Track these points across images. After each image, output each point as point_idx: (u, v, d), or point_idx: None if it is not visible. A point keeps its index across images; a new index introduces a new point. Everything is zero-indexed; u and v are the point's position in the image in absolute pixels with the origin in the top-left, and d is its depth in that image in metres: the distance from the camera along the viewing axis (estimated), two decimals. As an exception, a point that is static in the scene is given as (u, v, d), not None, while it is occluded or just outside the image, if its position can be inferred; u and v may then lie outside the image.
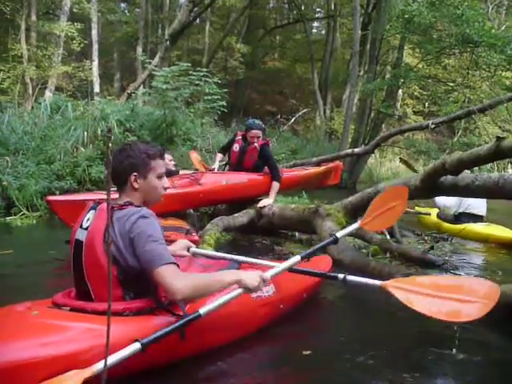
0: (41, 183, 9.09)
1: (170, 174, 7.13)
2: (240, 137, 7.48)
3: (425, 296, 2.83)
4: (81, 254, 2.72)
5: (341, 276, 3.14)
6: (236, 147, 7.40)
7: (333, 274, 3.27)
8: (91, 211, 2.82)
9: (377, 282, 3.02)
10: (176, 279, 2.55)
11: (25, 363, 2.22)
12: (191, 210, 7.21)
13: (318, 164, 9.40)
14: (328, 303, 4.37)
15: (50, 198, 6.22)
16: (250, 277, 2.82)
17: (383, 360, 3.05)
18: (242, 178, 7.22)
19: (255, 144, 7.18)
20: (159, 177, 2.96)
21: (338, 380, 2.85)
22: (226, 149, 7.91)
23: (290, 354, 3.17)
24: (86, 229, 2.74)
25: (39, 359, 2.25)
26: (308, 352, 3.13)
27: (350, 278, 3.10)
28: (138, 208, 2.75)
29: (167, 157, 7.31)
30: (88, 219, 2.79)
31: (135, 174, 2.86)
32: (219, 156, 8.07)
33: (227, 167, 7.91)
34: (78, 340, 2.39)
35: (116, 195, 5.02)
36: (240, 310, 3.09)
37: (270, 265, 3.31)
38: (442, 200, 7.76)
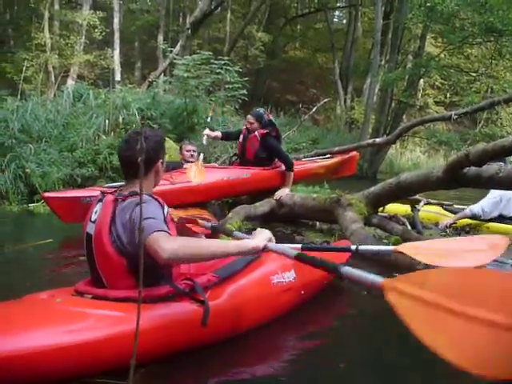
0: (63, 170, 9.17)
1: (174, 167, 7.16)
2: (245, 127, 7.44)
3: (437, 253, 2.99)
4: (91, 247, 2.74)
5: (353, 247, 3.17)
6: (241, 138, 7.38)
7: (345, 247, 3.30)
8: (99, 204, 2.81)
9: (389, 248, 3.10)
10: (165, 241, 2.39)
11: (49, 350, 2.25)
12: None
13: (331, 155, 8.95)
14: (348, 291, 4.36)
15: (46, 194, 6.13)
16: (255, 242, 2.76)
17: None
18: (243, 173, 7.11)
19: (255, 133, 7.10)
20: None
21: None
22: (229, 135, 7.94)
23: (303, 345, 3.15)
24: (94, 222, 2.75)
25: (63, 346, 2.28)
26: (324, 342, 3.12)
27: (362, 247, 3.12)
28: (144, 196, 2.65)
29: (190, 148, 7.31)
30: (96, 212, 2.79)
31: (161, 160, 2.88)
32: (218, 134, 7.86)
33: (234, 159, 7.89)
34: (101, 327, 2.41)
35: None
36: (260, 296, 3.10)
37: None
38: (476, 207, 7.35)
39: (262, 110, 7.39)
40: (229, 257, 2.84)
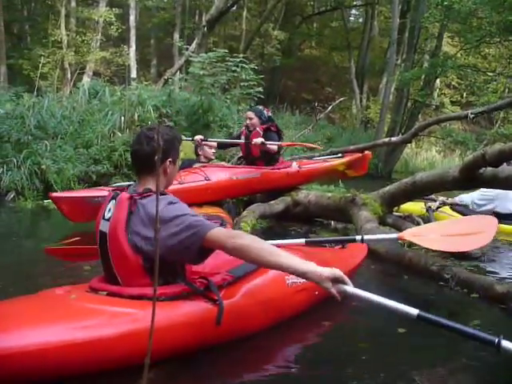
0: (78, 167, 9.22)
1: (190, 164, 7.14)
2: (244, 127, 7.42)
3: (437, 238, 3.40)
4: (106, 245, 2.72)
5: (358, 237, 3.56)
6: (242, 138, 7.33)
7: (350, 237, 3.47)
8: (112, 201, 2.79)
9: (393, 235, 3.44)
10: (231, 235, 2.52)
11: (63, 345, 2.24)
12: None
13: (342, 155, 8.52)
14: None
15: (54, 194, 6.11)
16: (323, 276, 2.46)
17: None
18: (253, 172, 7.02)
19: (257, 129, 7.07)
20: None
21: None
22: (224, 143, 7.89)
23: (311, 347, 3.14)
24: (108, 220, 2.73)
25: (77, 342, 2.27)
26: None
27: (367, 237, 3.33)
28: (164, 197, 2.68)
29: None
30: (109, 210, 2.76)
31: (170, 159, 2.83)
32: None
33: (240, 161, 7.80)
34: (115, 324, 2.41)
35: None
36: (275, 297, 3.08)
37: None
38: (467, 197, 7.45)
39: (261, 107, 7.39)
40: (292, 273, 2.59)
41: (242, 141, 7.28)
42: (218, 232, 2.53)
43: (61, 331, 2.28)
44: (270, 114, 7.41)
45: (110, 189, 6.27)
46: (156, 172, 2.77)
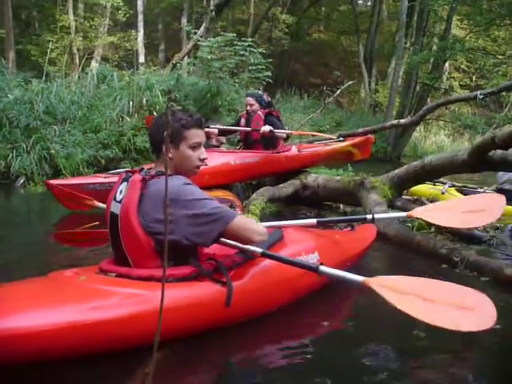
0: (87, 152, 9.27)
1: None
2: (245, 111, 7.37)
3: (445, 215, 3.29)
4: (117, 226, 2.73)
5: (369, 217, 3.59)
6: (242, 121, 7.29)
7: (361, 217, 3.55)
8: (123, 183, 2.80)
9: (403, 213, 3.65)
10: (255, 225, 2.83)
11: (73, 326, 2.26)
12: (236, 181, 7.19)
13: (343, 138, 8.27)
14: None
15: (50, 182, 6.19)
16: None
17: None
18: (253, 157, 6.96)
19: (258, 112, 7.03)
20: (193, 147, 2.87)
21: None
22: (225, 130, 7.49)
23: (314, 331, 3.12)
24: (120, 201, 2.74)
25: (87, 322, 2.29)
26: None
27: (378, 216, 3.49)
28: (173, 176, 2.73)
29: (212, 131, 7.21)
30: (121, 191, 2.78)
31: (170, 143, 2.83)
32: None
33: (238, 145, 7.75)
34: (124, 305, 2.42)
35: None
36: (284, 278, 3.08)
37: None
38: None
39: (260, 92, 7.34)
40: None
41: (247, 128, 7.17)
42: (241, 220, 2.72)
43: (70, 312, 2.30)
44: (269, 99, 7.36)
45: (107, 175, 6.30)
46: (161, 155, 2.81)
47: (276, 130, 6.86)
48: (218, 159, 6.67)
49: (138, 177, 2.72)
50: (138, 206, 2.64)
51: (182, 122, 2.84)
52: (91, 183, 6.15)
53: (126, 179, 2.80)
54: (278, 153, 7.09)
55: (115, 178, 6.19)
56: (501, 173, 7.17)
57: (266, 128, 6.80)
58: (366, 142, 7.97)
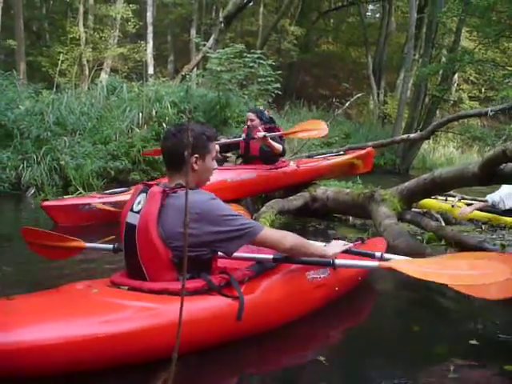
0: (96, 163, 9.27)
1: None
2: (246, 126, 7.31)
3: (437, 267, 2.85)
4: (133, 237, 2.71)
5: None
6: (243, 136, 7.18)
7: (326, 260, 3.06)
8: (142, 194, 2.79)
9: (374, 263, 3.03)
10: (281, 236, 2.89)
11: (85, 339, 2.26)
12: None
13: (344, 152, 8.30)
14: (382, 290, 4.32)
15: (45, 203, 6.19)
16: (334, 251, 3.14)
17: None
18: (249, 173, 6.85)
19: (259, 128, 6.92)
20: (214, 159, 2.94)
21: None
22: (229, 145, 7.37)
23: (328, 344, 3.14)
24: (138, 212, 2.73)
25: (99, 336, 2.29)
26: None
27: (339, 262, 3.04)
28: (196, 190, 2.74)
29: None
30: (139, 202, 2.77)
31: (196, 155, 2.82)
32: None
33: (237, 160, 7.65)
34: (136, 319, 2.42)
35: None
36: (295, 292, 3.08)
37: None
38: (495, 197, 7.33)
39: (262, 107, 7.29)
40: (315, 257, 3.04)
41: (242, 138, 7.11)
42: (267, 233, 2.80)
43: (83, 326, 2.30)
44: (270, 115, 7.36)
45: (101, 195, 6.32)
46: (184, 168, 2.80)
47: (269, 134, 6.77)
48: (213, 176, 6.61)
49: (157, 189, 2.71)
50: (157, 218, 2.63)
51: (207, 134, 2.86)
52: (87, 204, 6.15)
53: (144, 191, 2.80)
54: (276, 168, 7.03)
55: (111, 198, 6.16)
56: (505, 186, 7.06)
57: (261, 134, 6.77)
58: (367, 155, 7.91)
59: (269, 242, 2.80)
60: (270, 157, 7.00)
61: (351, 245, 3.33)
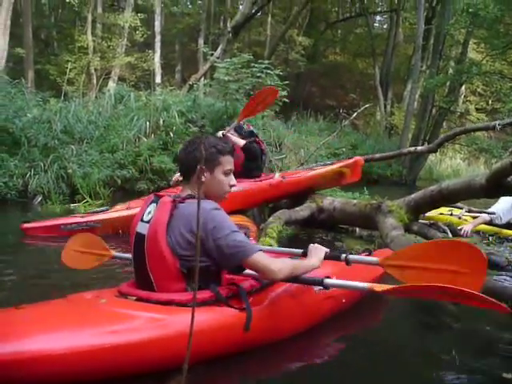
0: (103, 171, 9.31)
1: None
2: None
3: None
4: (142, 247, 2.72)
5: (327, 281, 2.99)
6: None
7: (316, 279, 3.01)
8: (152, 204, 2.81)
9: (364, 284, 2.88)
10: (273, 263, 2.70)
11: (93, 349, 2.26)
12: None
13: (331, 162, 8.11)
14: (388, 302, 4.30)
15: (25, 226, 6.11)
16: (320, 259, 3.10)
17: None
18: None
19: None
20: (226, 173, 2.92)
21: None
22: None
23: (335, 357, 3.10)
24: (148, 222, 2.75)
25: (106, 346, 2.29)
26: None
27: (330, 281, 2.96)
28: (203, 200, 2.74)
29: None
30: (149, 212, 2.79)
31: (204, 167, 2.84)
32: None
33: None
34: (144, 329, 2.42)
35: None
36: (303, 303, 3.08)
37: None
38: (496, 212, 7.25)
39: (241, 122, 7.22)
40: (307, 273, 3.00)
41: None
42: (259, 257, 2.67)
43: (90, 336, 2.30)
44: (250, 129, 7.24)
45: (83, 215, 6.32)
46: (193, 179, 2.84)
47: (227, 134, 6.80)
48: None
49: (167, 199, 2.74)
50: (166, 227, 2.65)
51: (218, 147, 2.87)
52: (68, 223, 6.13)
53: (154, 201, 2.82)
54: (260, 181, 6.98)
55: (93, 217, 6.18)
56: (502, 200, 7.00)
57: (219, 133, 6.79)
58: (355, 165, 7.71)
59: (259, 266, 2.67)
60: (252, 170, 6.96)
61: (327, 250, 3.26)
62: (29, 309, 2.51)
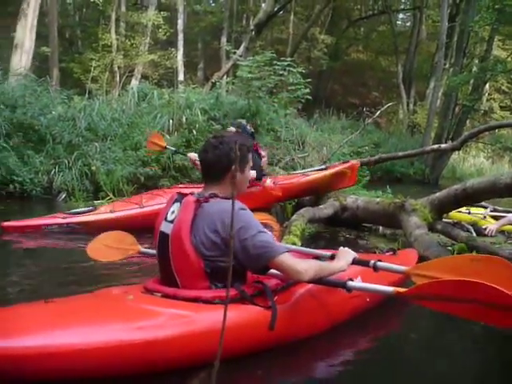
0: (127, 169, 9.35)
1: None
2: None
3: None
4: (167, 246, 2.73)
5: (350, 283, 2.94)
6: None
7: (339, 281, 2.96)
8: (176, 204, 2.81)
9: (389, 288, 2.82)
10: (298, 264, 2.67)
11: (120, 345, 2.28)
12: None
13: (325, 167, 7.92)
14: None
15: (5, 224, 5.94)
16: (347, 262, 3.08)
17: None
18: None
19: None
20: (250, 170, 2.96)
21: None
22: None
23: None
24: (171, 221, 2.75)
25: (134, 342, 2.31)
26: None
27: (353, 284, 2.93)
28: (229, 200, 2.73)
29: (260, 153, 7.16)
30: (173, 212, 2.78)
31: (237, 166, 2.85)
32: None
33: None
34: (170, 326, 2.43)
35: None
36: (328, 302, 3.08)
37: None
38: None
39: (244, 121, 7.09)
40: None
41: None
42: (285, 258, 2.65)
43: (118, 331, 2.32)
44: (252, 130, 7.18)
45: (65, 215, 6.21)
46: (222, 179, 2.83)
47: None
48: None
49: (191, 198, 2.74)
50: (190, 227, 2.65)
51: (247, 145, 2.89)
52: (49, 224, 6.02)
53: (178, 200, 2.82)
54: (251, 186, 6.89)
55: (75, 219, 6.07)
56: None
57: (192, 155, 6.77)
58: (351, 169, 7.57)
59: (285, 267, 2.64)
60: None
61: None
62: (57, 303, 2.54)
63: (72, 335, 2.24)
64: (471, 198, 5.94)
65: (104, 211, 6.29)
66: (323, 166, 7.99)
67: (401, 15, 37.20)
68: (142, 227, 4.36)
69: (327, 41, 28.42)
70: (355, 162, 7.77)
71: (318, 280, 2.82)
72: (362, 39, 35.31)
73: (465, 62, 19.65)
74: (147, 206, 6.22)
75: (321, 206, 6.72)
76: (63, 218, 6.12)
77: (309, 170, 7.80)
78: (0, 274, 4.33)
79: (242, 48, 18.27)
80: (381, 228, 6.89)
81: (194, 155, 7.08)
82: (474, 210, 7.42)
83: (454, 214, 7.04)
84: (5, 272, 4.45)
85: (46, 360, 2.15)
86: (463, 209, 7.28)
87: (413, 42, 27.84)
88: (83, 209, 6.44)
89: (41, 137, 9.33)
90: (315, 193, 7.57)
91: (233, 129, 6.80)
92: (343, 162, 7.87)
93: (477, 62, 21.23)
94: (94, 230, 5.77)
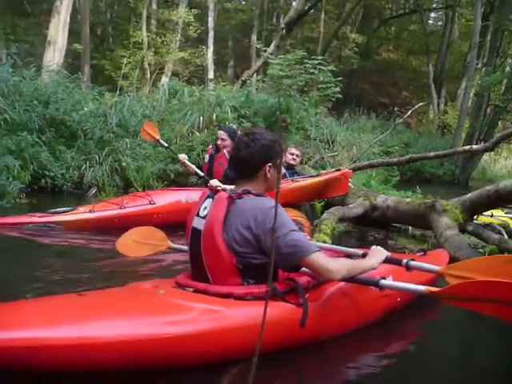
0: (157, 165, 9.44)
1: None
2: (211, 146, 6.98)
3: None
4: (199, 242, 2.74)
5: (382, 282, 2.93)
6: (206, 157, 6.89)
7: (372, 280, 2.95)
8: (208, 200, 2.82)
9: (421, 287, 2.78)
10: (330, 263, 2.65)
11: (152, 339, 2.29)
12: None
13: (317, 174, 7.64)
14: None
15: None
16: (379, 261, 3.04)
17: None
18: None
19: (224, 151, 6.50)
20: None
21: None
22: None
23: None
24: (204, 217, 2.76)
25: (165, 336, 2.32)
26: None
27: (386, 282, 2.90)
28: (263, 197, 2.75)
29: (294, 151, 7.14)
30: (205, 208, 2.79)
31: (269, 164, 2.83)
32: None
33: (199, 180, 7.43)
34: (202, 320, 2.44)
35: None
36: (358, 301, 3.06)
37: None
38: None
39: (235, 127, 6.96)
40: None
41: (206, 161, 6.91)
42: (317, 257, 2.63)
43: (149, 325, 2.33)
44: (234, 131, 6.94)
45: (42, 215, 6.14)
46: (255, 176, 2.84)
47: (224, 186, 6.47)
48: (168, 198, 6.62)
49: (224, 194, 2.74)
50: (223, 223, 2.65)
51: (278, 141, 2.89)
52: (26, 223, 5.90)
53: (210, 196, 2.83)
54: None
55: (52, 218, 6.00)
56: None
57: (181, 156, 6.80)
58: (343, 177, 7.21)
59: (317, 266, 2.62)
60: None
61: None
62: (90, 296, 2.58)
63: (103, 328, 2.26)
64: (504, 199, 5.85)
65: (83, 211, 6.19)
66: (314, 174, 7.71)
67: (433, 14, 36.79)
68: (120, 228, 4.41)
69: (358, 40, 28.25)
70: (347, 170, 7.48)
71: (350, 278, 2.79)
72: (392, 38, 35.03)
73: (498, 62, 19.41)
74: (127, 208, 6.20)
75: (350, 205, 6.68)
76: (40, 217, 6.02)
77: (300, 176, 7.45)
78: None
79: (272, 46, 18.26)
80: (410, 228, 6.82)
81: (183, 156, 7.03)
82: (495, 212, 7.32)
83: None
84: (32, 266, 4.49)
85: (79, 352, 2.17)
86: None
87: (444, 41, 27.55)
88: (62, 208, 6.27)
89: (72, 132, 9.43)
90: (306, 199, 7.37)
91: (222, 133, 6.69)
92: (336, 170, 7.56)
93: (510, 61, 20.97)
94: (72, 230, 5.87)
